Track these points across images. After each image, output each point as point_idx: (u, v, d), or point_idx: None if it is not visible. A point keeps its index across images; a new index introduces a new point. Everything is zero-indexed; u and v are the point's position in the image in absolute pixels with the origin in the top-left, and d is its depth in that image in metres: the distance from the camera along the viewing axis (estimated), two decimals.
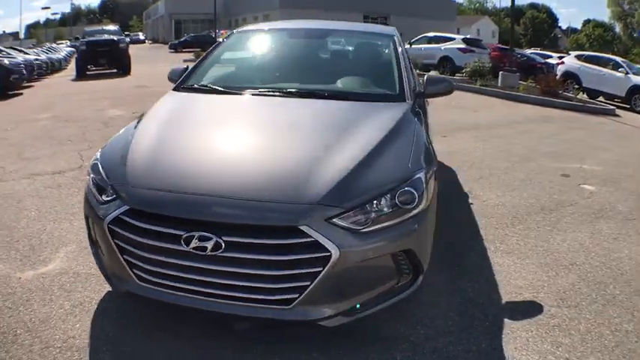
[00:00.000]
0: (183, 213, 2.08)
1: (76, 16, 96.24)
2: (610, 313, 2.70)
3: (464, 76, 15.10)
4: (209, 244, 2.00)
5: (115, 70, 18.39)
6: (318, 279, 2.01)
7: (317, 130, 2.69)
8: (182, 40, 40.51)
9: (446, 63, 17.90)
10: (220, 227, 2.02)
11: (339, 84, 3.35)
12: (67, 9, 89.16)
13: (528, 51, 26.00)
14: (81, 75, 17.81)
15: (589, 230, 3.91)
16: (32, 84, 15.90)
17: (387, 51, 3.64)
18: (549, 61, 19.98)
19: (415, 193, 2.21)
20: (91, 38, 18.69)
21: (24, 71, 13.98)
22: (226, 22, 56.21)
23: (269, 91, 3.17)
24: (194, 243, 2.02)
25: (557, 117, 9.74)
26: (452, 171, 5.51)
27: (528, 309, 2.72)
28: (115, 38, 18.63)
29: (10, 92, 12.66)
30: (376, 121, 2.69)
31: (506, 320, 2.59)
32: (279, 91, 3.15)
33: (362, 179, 2.20)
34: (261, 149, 2.50)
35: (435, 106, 9.93)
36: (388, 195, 2.17)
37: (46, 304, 2.74)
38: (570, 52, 20.28)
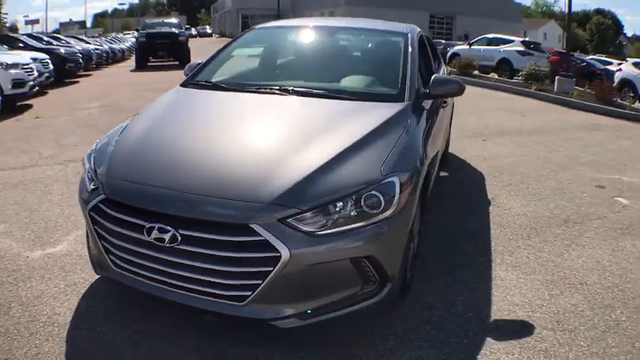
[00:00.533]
0: (146, 204, 2.12)
1: (145, 7, 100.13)
2: (608, 342, 2.48)
3: (520, 79, 14.49)
4: (167, 236, 2.04)
5: (176, 62, 18.95)
6: (268, 279, 2.00)
7: (295, 129, 2.63)
8: None
9: (504, 65, 17.30)
10: (178, 221, 2.05)
11: (341, 82, 3.28)
12: None
13: (588, 57, 24.68)
14: (140, 66, 18.52)
15: (610, 247, 3.63)
16: (90, 73, 16.75)
17: (395, 49, 3.52)
18: (609, 67, 18.83)
19: (381, 197, 2.13)
20: (151, 30, 19.34)
21: (80, 60, 14.69)
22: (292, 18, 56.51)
23: (266, 89, 3.16)
24: (154, 234, 2.05)
25: (608, 125, 9.12)
26: (481, 176, 5.31)
27: (517, 329, 2.55)
28: (176, 31, 19.17)
29: (65, 80, 13.37)
30: (360, 122, 2.61)
31: (487, 339, 2.44)
32: (276, 89, 3.11)
33: (325, 180, 2.14)
34: (231, 147, 2.49)
35: (483, 108, 9.76)
36: (353, 197, 2.11)
37: (43, 282, 2.89)
38: (628, 59, 19.00)
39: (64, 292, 2.76)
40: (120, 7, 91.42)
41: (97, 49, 19.73)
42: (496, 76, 16.35)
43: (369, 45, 4.02)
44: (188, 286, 2.12)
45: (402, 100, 2.97)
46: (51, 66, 11.14)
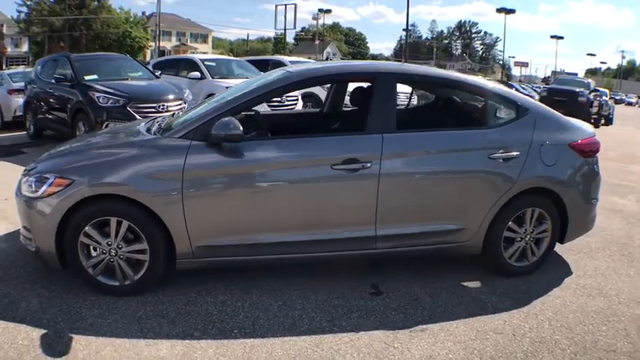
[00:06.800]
0: None
1: (629, 71, 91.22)
2: None
3: None
4: None
5: None
6: None
7: None
8: None
9: None
10: None
11: None
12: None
13: None
14: None
15: None
16: None
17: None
18: None
19: (34, 182, 3.16)
20: (554, 85, 18.60)
21: None
22: None
23: None
24: None
25: None
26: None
27: None
28: (576, 90, 17.88)
29: None
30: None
31: None
32: None
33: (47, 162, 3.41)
34: None
35: None
36: (35, 177, 3.21)
37: None
38: None
39: None
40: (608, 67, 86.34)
41: None
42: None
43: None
44: None
45: (171, 135, 3.25)
46: None
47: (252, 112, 3.82)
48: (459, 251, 3.67)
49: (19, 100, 9.98)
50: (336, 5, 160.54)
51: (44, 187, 3.08)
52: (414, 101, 5.75)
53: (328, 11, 63.79)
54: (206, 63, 10.40)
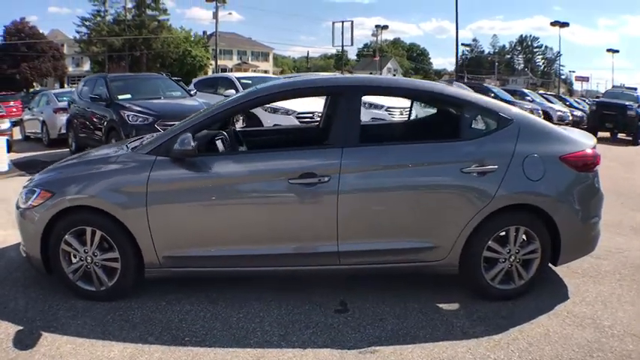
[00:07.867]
0: None
1: None
2: None
3: None
4: None
5: (629, 138, 16.86)
6: None
7: None
8: None
9: None
10: None
11: None
12: None
13: None
14: None
15: None
16: None
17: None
18: None
19: (24, 194, 3.54)
20: (603, 99, 17.78)
21: None
22: None
23: None
24: None
25: None
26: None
27: None
28: (625, 103, 17.01)
29: None
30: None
31: None
32: None
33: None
34: None
35: None
36: (26, 189, 3.62)
37: None
38: None
39: None
40: None
41: (560, 111, 19.56)
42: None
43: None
44: None
45: (139, 151, 3.49)
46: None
47: (229, 129, 4.02)
48: (433, 270, 3.49)
49: (64, 118, 10.93)
50: (399, 21, 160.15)
51: (32, 199, 3.42)
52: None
53: (385, 27, 63.24)
54: (242, 81, 10.59)
